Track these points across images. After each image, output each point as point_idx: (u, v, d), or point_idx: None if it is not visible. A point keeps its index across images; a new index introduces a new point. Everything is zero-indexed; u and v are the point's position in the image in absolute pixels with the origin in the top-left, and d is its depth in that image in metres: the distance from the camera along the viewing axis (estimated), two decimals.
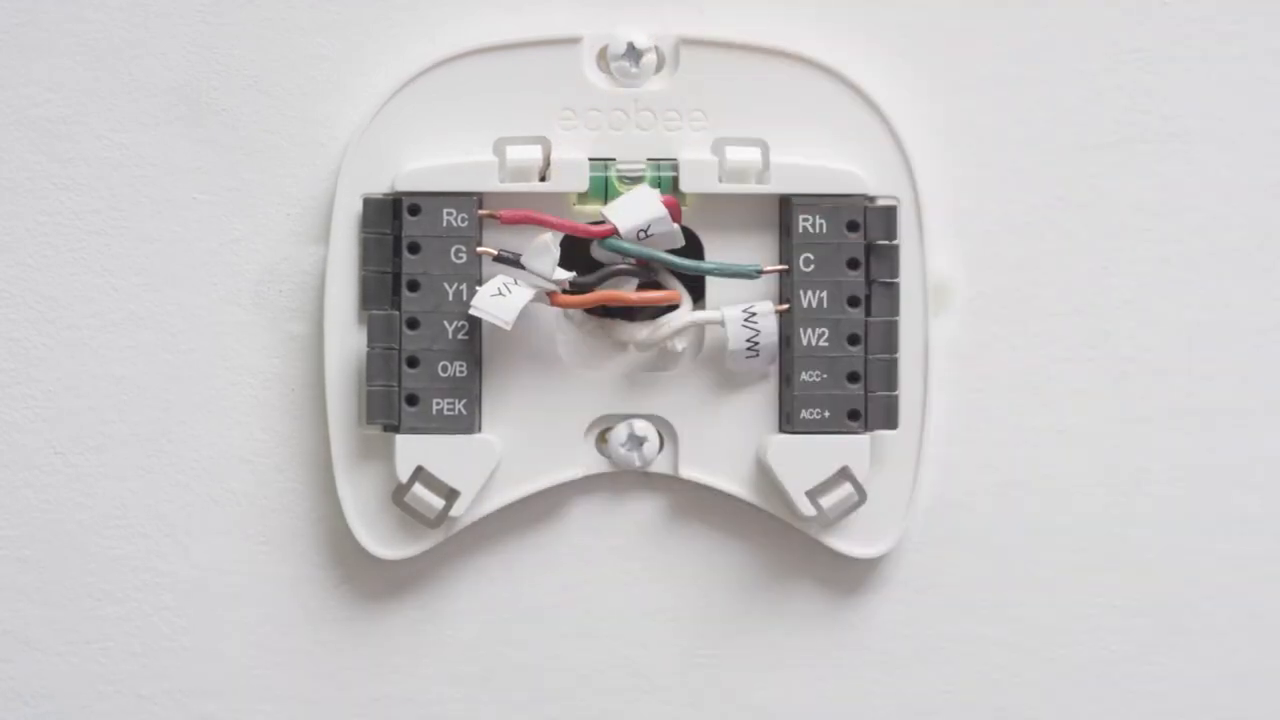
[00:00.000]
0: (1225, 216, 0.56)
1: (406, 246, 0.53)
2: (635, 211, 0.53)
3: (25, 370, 0.55)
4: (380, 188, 0.54)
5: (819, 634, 0.56)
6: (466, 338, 0.53)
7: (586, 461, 0.55)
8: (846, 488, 0.54)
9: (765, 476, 0.55)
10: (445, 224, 0.53)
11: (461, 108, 0.54)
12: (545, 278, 0.53)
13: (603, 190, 0.54)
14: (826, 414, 0.54)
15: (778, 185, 0.54)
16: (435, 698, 0.56)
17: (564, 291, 0.53)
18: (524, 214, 0.53)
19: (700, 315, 0.54)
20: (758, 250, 0.54)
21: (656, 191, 0.53)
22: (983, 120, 0.56)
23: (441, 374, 0.53)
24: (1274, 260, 0.56)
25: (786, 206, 0.54)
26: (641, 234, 0.53)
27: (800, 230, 0.53)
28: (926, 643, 0.56)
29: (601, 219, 0.53)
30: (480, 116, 0.54)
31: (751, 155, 0.54)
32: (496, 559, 0.56)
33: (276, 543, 0.55)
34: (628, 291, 0.54)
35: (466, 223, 0.53)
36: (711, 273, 0.54)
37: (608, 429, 0.55)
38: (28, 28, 0.55)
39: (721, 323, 0.54)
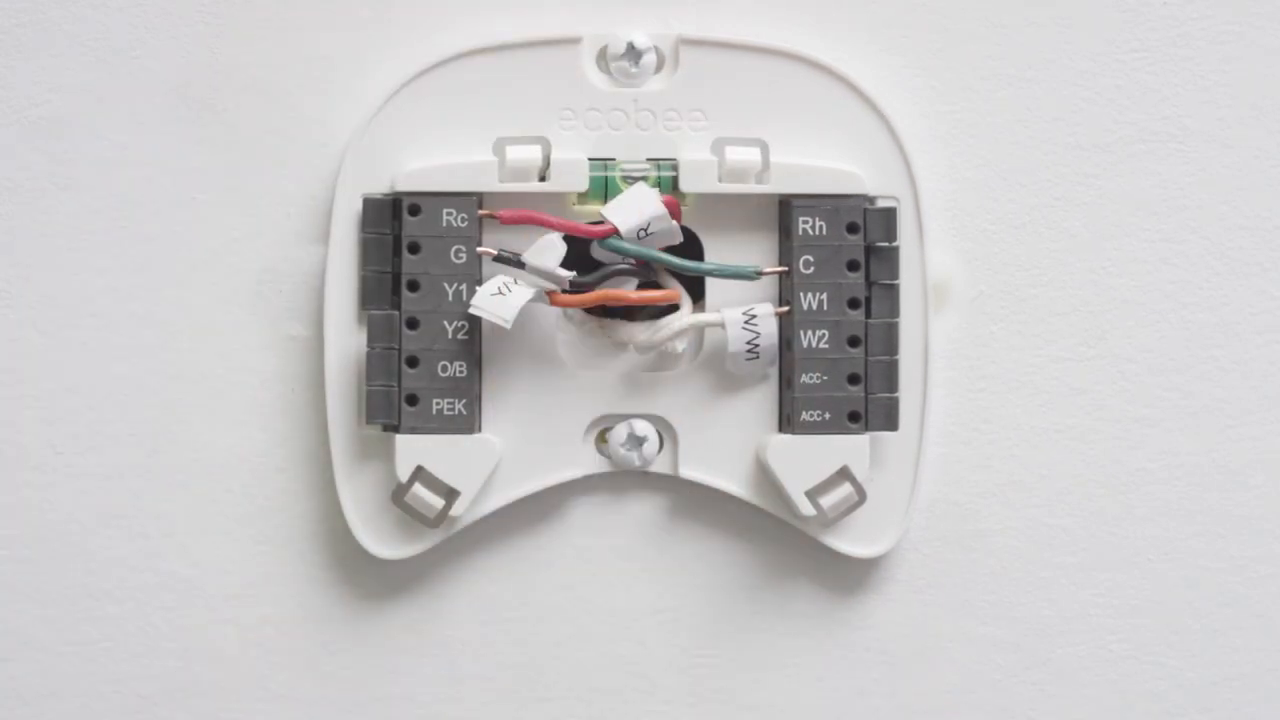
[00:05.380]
0: (1225, 216, 0.56)
1: (406, 246, 0.53)
2: (635, 210, 0.53)
3: (25, 370, 0.55)
4: (380, 188, 0.54)
5: (819, 634, 0.56)
6: (466, 338, 0.53)
7: (586, 461, 0.55)
8: (846, 488, 0.54)
9: (765, 476, 0.55)
10: (445, 224, 0.53)
11: (461, 108, 0.54)
12: (550, 274, 0.52)
13: (602, 190, 0.54)
14: (827, 416, 0.54)
15: (777, 185, 0.54)
16: (435, 698, 0.56)
17: (564, 291, 0.53)
18: (524, 214, 0.53)
19: (700, 318, 0.54)
20: (757, 250, 0.54)
21: (655, 189, 0.53)
22: (982, 120, 0.56)
23: (441, 374, 0.53)
24: (1274, 260, 0.56)
25: (786, 208, 0.54)
26: (641, 233, 0.53)
27: (800, 232, 0.53)
28: (926, 643, 0.56)
29: (601, 219, 0.53)
30: (480, 116, 0.54)
31: (751, 155, 0.54)
32: (496, 559, 0.56)
33: (276, 543, 0.55)
34: (628, 291, 0.54)
35: (466, 223, 0.53)
36: (711, 274, 0.54)
37: (608, 429, 0.55)
38: (28, 28, 0.55)
39: (722, 325, 0.54)
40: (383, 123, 0.54)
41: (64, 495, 0.55)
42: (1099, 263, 0.56)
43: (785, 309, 0.54)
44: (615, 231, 0.53)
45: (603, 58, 0.55)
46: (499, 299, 0.52)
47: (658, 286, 0.55)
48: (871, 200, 0.54)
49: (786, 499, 0.54)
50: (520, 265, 0.53)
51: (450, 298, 0.53)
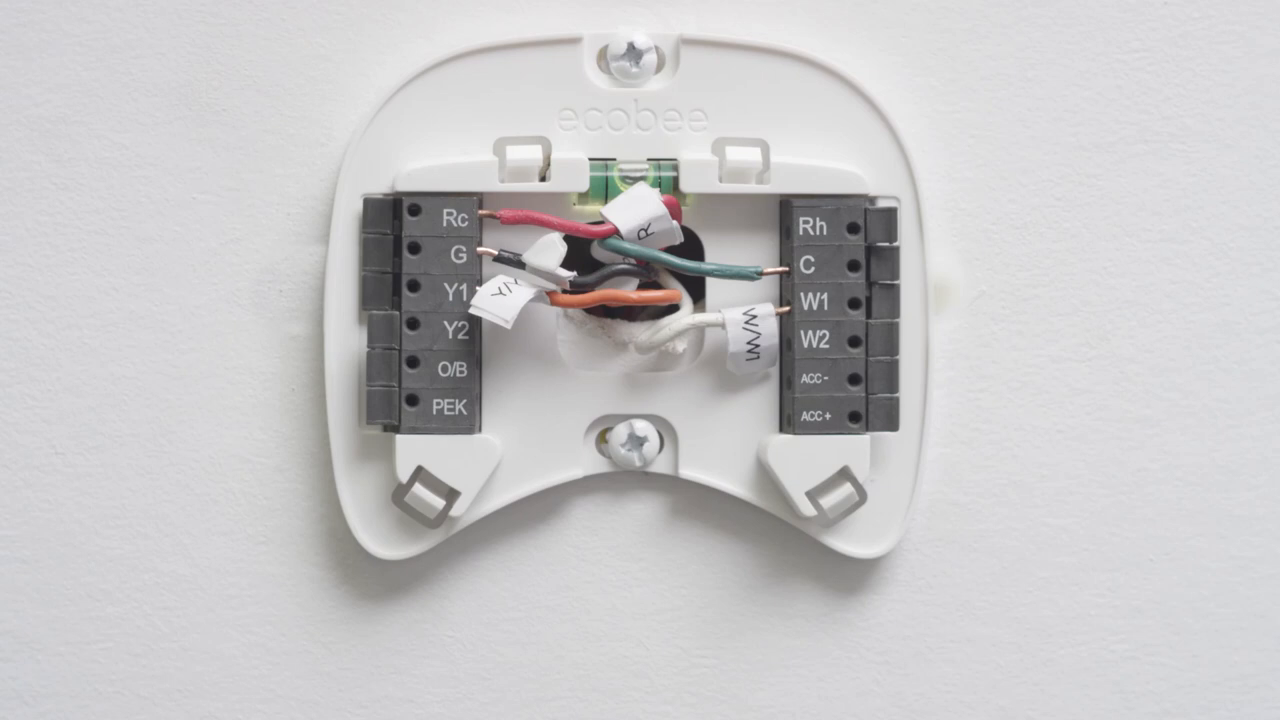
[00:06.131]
0: (1226, 216, 0.56)
1: (407, 247, 0.53)
2: (635, 211, 0.53)
3: (25, 370, 0.55)
4: (380, 188, 0.54)
5: (819, 634, 0.56)
6: (466, 338, 0.53)
7: (586, 461, 0.55)
8: (847, 488, 0.54)
9: (765, 476, 0.55)
10: (445, 224, 0.53)
11: (461, 108, 0.54)
12: (550, 274, 0.52)
13: (603, 190, 0.54)
14: (827, 416, 0.54)
15: (778, 185, 0.54)
16: (435, 698, 0.56)
17: (564, 291, 0.53)
18: (524, 214, 0.53)
19: (701, 318, 0.54)
20: (758, 250, 0.54)
21: (655, 189, 0.53)
22: (982, 120, 0.56)
23: (441, 374, 0.53)
24: (1274, 260, 0.56)
25: (787, 208, 0.54)
26: (642, 233, 0.53)
27: (801, 232, 0.53)
28: (926, 643, 0.56)
29: (601, 219, 0.53)
30: (480, 116, 0.54)
31: (751, 155, 0.54)
32: (496, 559, 0.56)
33: (276, 543, 0.55)
34: (628, 291, 0.54)
35: (467, 223, 0.53)
36: (712, 274, 0.54)
37: (608, 429, 0.55)
38: (28, 28, 0.55)
39: (722, 325, 0.54)
40: (383, 123, 0.54)
41: (64, 495, 0.55)
42: (1100, 263, 0.56)
43: (786, 309, 0.54)
44: (615, 231, 0.53)
45: (603, 58, 0.54)
46: (499, 299, 0.52)
47: (658, 286, 0.54)
48: (872, 200, 0.54)
49: (787, 499, 0.54)
50: (520, 265, 0.53)
51: (450, 298, 0.53)
